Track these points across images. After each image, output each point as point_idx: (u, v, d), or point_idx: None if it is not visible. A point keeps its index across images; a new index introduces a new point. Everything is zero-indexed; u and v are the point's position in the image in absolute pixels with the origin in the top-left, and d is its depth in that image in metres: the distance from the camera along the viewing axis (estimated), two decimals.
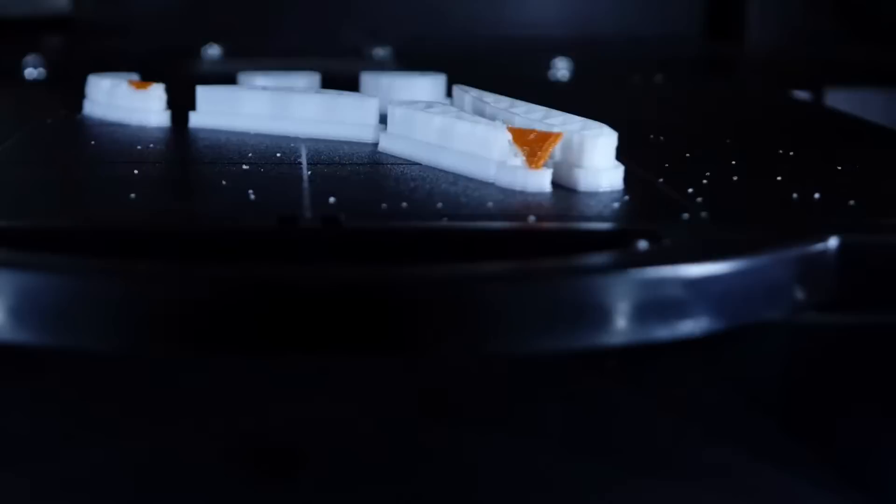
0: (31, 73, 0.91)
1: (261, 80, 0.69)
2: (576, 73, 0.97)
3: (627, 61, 1.00)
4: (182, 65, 0.92)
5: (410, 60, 0.90)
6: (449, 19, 1.08)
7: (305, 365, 0.43)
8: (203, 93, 0.64)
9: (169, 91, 0.65)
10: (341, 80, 0.68)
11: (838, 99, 0.91)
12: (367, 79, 0.70)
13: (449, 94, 0.64)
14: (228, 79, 0.70)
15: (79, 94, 0.69)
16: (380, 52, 1.00)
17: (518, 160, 0.51)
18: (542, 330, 0.39)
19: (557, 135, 0.50)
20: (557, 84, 0.96)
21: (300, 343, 0.38)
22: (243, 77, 0.70)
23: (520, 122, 0.52)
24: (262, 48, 0.97)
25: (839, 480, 0.45)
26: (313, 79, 0.71)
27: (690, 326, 0.41)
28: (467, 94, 0.58)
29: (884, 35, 0.99)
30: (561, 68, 0.98)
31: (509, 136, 0.52)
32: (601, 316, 0.39)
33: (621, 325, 0.39)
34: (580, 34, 1.10)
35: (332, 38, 1.05)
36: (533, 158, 0.50)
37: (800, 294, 0.43)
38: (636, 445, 0.44)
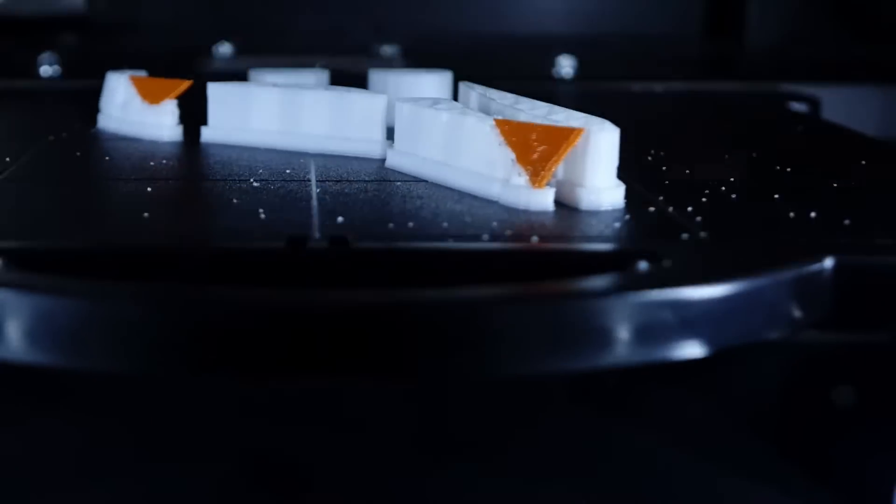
0: (46, 70, 0.92)
1: (271, 77, 0.69)
2: (580, 70, 0.97)
3: (630, 60, 1.00)
4: (194, 62, 0.92)
5: (417, 58, 0.90)
6: (455, 18, 1.08)
7: (312, 387, 0.43)
8: (214, 93, 0.64)
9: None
10: (350, 77, 0.67)
11: (836, 96, 0.91)
12: (375, 76, 0.70)
13: (455, 90, 0.64)
14: (239, 76, 0.70)
15: (93, 100, 0.69)
16: (387, 49, 1.01)
17: (522, 179, 0.51)
18: (544, 352, 0.39)
19: (560, 155, 0.50)
20: (562, 81, 0.96)
21: (306, 366, 0.38)
22: (254, 74, 0.70)
23: (524, 118, 0.52)
24: (273, 46, 0.97)
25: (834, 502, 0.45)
26: (322, 76, 0.71)
27: (688, 348, 0.41)
28: (473, 91, 0.58)
29: (882, 34, 0.98)
30: (565, 66, 0.98)
31: (513, 155, 0.52)
32: (602, 338, 0.39)
33: (622, 347, 0.40)
34: (584, 32, 1.10)
35: (342, 36, 1.05)
36: (536, 178, 0.51)
37: (797, 314, 0.43)
38: (634, 468, 0.44)
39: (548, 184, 0.51)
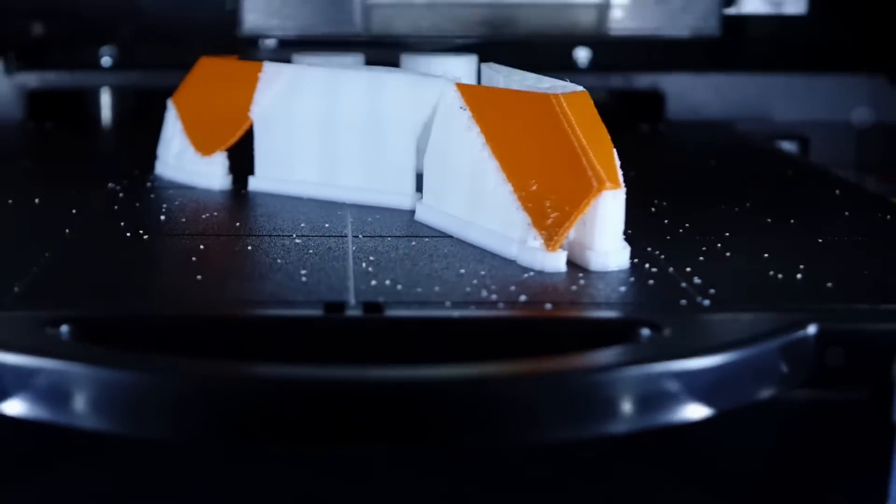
0: (106, 61, 0.95)
1: (311, 59, 0.71)
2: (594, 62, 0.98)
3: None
4: (243, 53, 0.94)
5: (448, 48, 0.91)
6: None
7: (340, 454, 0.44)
8: (260, 142, 0.67)
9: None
10: (384, 62, 0.69)
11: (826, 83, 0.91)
12: (407, 60, 0.73)
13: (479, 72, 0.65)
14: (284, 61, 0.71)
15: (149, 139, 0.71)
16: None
17: (537, 243, 0.52)
18: (555, 422, 0.41)
19: (572, 222, 0.51)
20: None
21: (335, 436, 0.40)
22: (297, 58, 0.72)
23: (545, 87, 0.55)
24: (316, 40, 0.98)
25: None
26: (357, 59, 0.73)
27: (687, 413, 0.42)
28: (495, 72, 0.60)
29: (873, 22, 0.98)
30: (581, 56, 0.98)
31: (529, 219, 0.53)
32: (608, 408, 0.41)
33: (627, 415, 0.41)
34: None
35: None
36: (550, 242, 0.52)
37: (784, 376, 0.45)
38: None
39: (560, 247, 0.52)
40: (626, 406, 0.41)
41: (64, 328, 0.44)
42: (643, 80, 0.93)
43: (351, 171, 0.63)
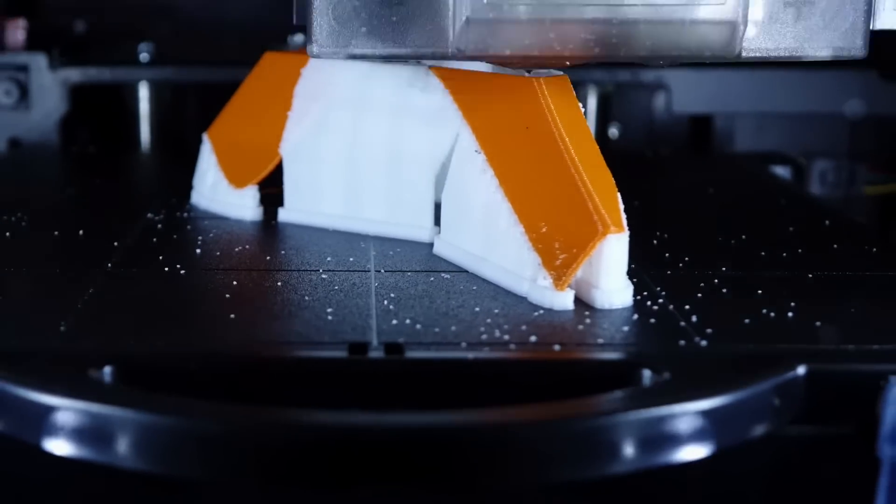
0: (144, 56, 0.97)
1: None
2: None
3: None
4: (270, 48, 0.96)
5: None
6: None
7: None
8: (289, 176, 0.69)
9: None
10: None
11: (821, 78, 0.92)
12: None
13: None
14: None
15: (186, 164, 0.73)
16: None
17: (547, 282, 0.53)
18: (562, 464, 0.42)
19: (579, 263, 0.52)
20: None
21: (359, 479, 0.41)
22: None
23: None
24: None
25: None
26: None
27: (687, 453, 0.43)
28: None
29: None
30: None
31: (539, 259, 0.54)
32: (612, 450, 0.42)
33: (630, 457, 0.42)
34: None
35: None
36: (559, 282, 0.53)
37: (776, 414, 0.46)
38: None
39: (568, 286, 0.53)
40: (629, 448, 0.42)
41: (107, 369, 0.45)
42: (648, 75, 0.95)
43: (374, 205, 0.65)
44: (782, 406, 0.46)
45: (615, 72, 0.95)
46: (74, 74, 0.94)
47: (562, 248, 0.53)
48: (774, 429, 0.46)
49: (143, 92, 0.99)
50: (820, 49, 0.60)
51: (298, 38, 0.97)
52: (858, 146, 0.93)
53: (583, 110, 0.59)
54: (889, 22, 0.61)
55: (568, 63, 0.57)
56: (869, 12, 0.58)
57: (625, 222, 0.53)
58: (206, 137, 0.72)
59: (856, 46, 0.60)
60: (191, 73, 0.97)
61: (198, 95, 1.03)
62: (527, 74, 0.57)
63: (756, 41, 0.58)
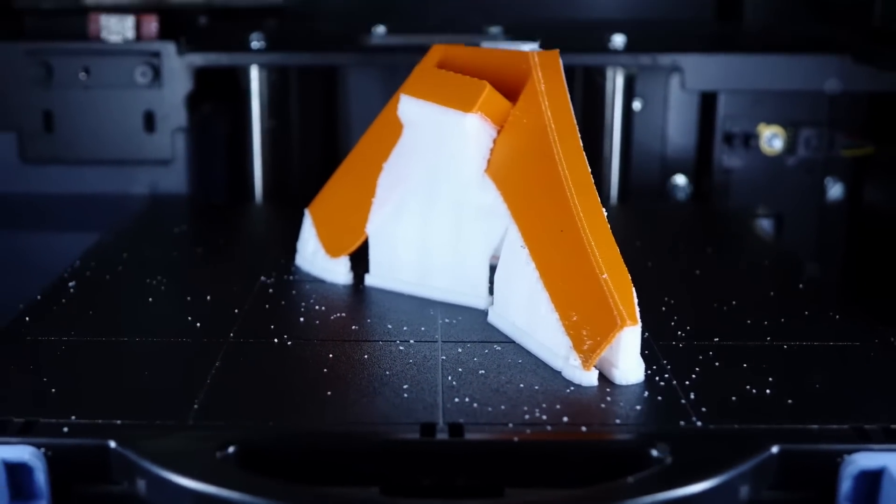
0: (255, 45, 1.02)
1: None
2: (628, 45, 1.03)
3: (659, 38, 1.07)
4: (358, 40, 1.03)
5: (516, 35, 0.97)
6: (543, 7, 1.18)
7: None
8: (374, 249, 0.74)
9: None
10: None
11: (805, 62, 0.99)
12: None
13: None
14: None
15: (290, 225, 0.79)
16: (493, 29, 1.06)
17: (577, 362, 0.58)
18: None
19: (603, 348, 0.57)
20: (615, 52, 1.02)
21: None
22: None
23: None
24: (412, 28, 1.06)
25: None
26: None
27: None
28: None
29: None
30: (618, 41, 1.02)
31: (570, 342, 0.59)
32: None
33: None
34: (629, 16, 1.17)
35: (459, 19, 1.15)
36: (586, 363, 0.58)
37: (754, 487, 0.51)
38: None
39: (594, 366, 0.58)
40: None
41: (231, 449, 0.51)
42: (665, 59, 1.00)
43: (440, 276, 0.70)
44: (760, 479, 0.51)
45: (638, 56, 1.00)
46: (198, 59, 1.01)
47: (589, 335, 0.58)
48: (753, 496, 0.51)
49: (254, 73, 1.05)
50: None
51: (380, 29, 1.02)
52: (836, 117, 1.03)
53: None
54: None
55: None
56: None
57: (638, 315, 0.58)
58: (307, 213, 0.78)
59: None
60: (292, 58, 1.03)
61: (298, 76, 1.11)
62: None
63: None
